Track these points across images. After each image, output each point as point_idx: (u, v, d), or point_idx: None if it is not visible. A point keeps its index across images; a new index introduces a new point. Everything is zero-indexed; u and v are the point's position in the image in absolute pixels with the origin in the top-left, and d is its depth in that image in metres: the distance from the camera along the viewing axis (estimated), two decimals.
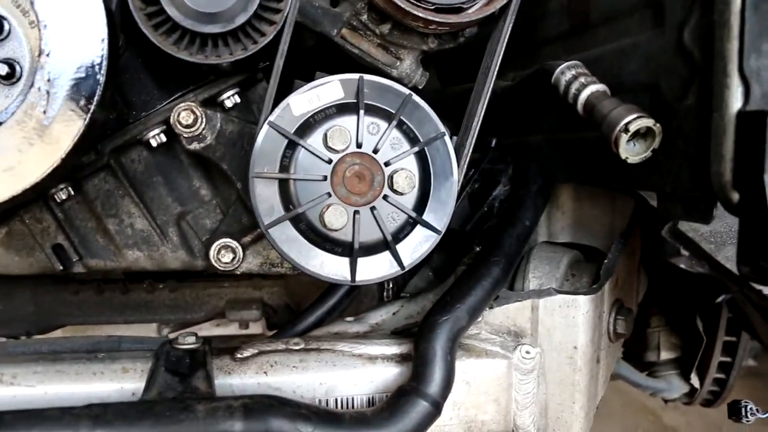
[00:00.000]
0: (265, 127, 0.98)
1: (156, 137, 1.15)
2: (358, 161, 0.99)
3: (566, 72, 1.03)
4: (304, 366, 1.15)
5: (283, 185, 0.98)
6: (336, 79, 0.99)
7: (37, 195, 1.14)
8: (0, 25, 0.92)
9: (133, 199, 1.20)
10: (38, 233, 1.19)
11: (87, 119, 0.96)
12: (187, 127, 1.09)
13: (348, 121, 0.99)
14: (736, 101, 0.78)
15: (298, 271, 1.03)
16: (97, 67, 0.95)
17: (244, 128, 1.14)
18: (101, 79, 0.95)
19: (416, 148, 1.01)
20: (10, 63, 0.93)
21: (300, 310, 1.57)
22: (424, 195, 1.02)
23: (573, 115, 1.01)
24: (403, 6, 1.05)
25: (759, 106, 0.77)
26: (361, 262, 1.00)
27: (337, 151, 0.98)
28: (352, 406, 1.14)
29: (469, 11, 1.08)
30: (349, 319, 1.38)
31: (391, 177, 1.00)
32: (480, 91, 1.09)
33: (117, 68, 1.04)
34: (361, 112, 0.99)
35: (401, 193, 1.00)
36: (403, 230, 1.02)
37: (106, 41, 0.95)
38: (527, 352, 1.21)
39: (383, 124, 1.00)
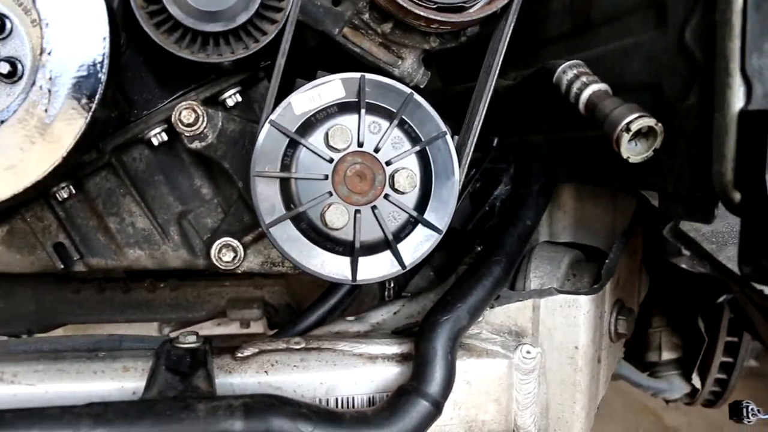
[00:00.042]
0: (267, 125, 0.98)
1: (157, 136, 1.15)
2: (360, 160, 0.99)
3: (568, 71, 1.03)
4: (304, 365, 1.15)
5: (285, 184, 0.98)
6: (337, 78, 0.99)
7: (38, 193, 1.14)
8: (2, 23, 0.92)
9: (134, 197, 1.20)
10: (39, 232, 1.19)
11: (88, 118, 0.96)
12: (189, 125, 1.09)
13: (349, 120, 0.99)
14: (737, 101, 0.78)
15: (299, 270, 1.03)
16: (98, 66, 0.95)
17: (246, 127, 1.14)
18: (103, 77, 0.95)
19: (417, 148, 1.00)
20: (11, 61, 0.93)
21: (301, 310, 1.57)
22: (425, 194, 1.02)
23: (574, 115, 1.00)
24: (404, 5, 1.05)
25: (761, 106, 0.77)
26: (362, 261, 1.00)
27: (338, 150, 0.98)
28: (353, 406, 1.14)
29: (471, 10, 1.08)
30: (350, 318, 1.38)
31: (392, 176, 1.00)
32: (481, 90, 1.09)
33: (118, 67, 1.04)
34: (363, 111, 0.99)
35: (402, 193, 1.00)
36: (404, 229, 1.02)
37: (107, 40, 0.95)
38: (528, 352, 1.21)
39: (384, 123, 1.00)
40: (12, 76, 0.93)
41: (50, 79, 0.94)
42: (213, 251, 1.17)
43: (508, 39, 1.08)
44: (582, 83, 1.00)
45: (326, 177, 0.98)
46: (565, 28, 1.24)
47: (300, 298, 1.78)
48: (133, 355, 1.13)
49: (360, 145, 0.99)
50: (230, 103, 1.16)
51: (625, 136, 0.89)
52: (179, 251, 1.23)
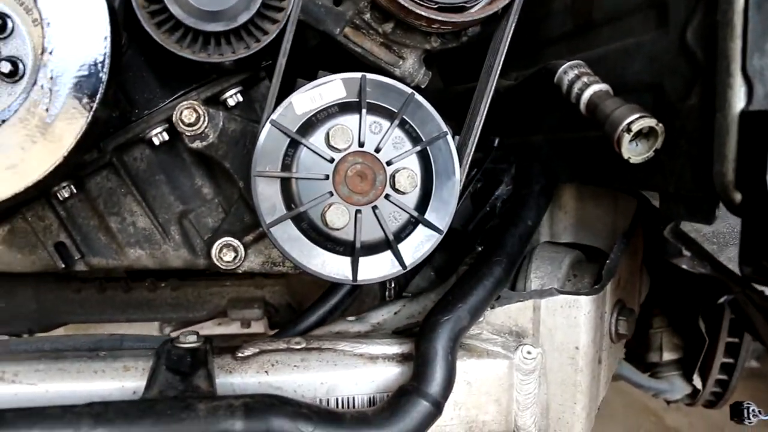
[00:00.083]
0: (268, 125, 0.98)
1: (158, 135, 1.15)
2: (360, 160, 0.99)
3: (569, 71, 1.03)
4: (305, 365, 1.15)
5: (285, 184, 0.98)
6: (338, 78, 0.99)
7: (39, 193, 1.14)
8: (3, 22, 0.92)
9: (135, 197, 1.20)
10: (40, 231, 1.19)
11: (89, 117, 0.96)
12: (190, 125, 1.09)
13: (350, 120, 0.99)
14: (739, 101, 0.78)
15: (299, 270, 1.03)
16: (99, 65, 0.95)
17: (247, 127, 1.14)
18: (104, 77, 0.95)
19: (418, 148, 1.00)
20: (13, 61, 0.93)
21: (302, 310, 1.57)
22: (426, 194, 1.02)
23: (576, 115, 1.00)
24: (406, 5, 1.05)
25: (762, 106, 0.77)
26: (363, 261, 1.00)
27: (339, 150, 0.98)
28: (353, 406, 1.14)
29: (472, 10, 1.08)
30: (350, 318, 1.38)
31: (393, 176, 1.00)
32: (483, 90, 1.09)
33: (120, 66, 1.04)
34: (364, 111, 0.98)
35: (403, 193, 1.00)
36: (405, 230, 1.02)
37: (108, 39, 0.95)
38: (529, 353, 1.21)
39: (385, 123, 1.00)
40: (13, 75, 0.94)
41: (51, 78, 0.94)
42: (214, 251, 1.17)
43: (509, 39, 1.08)
44: (583, 83, 1.00)
45: (327, 177, 0.98)
46: (567, 29, 1.24)
47: (301, 298, 1.78)
48: (133, 355, 1.13)
49: (361, 145, 0.99)
50: (231, 102, 1.16)
51: (626, 137, 0.88)
52: (180, 251, 1.23)
